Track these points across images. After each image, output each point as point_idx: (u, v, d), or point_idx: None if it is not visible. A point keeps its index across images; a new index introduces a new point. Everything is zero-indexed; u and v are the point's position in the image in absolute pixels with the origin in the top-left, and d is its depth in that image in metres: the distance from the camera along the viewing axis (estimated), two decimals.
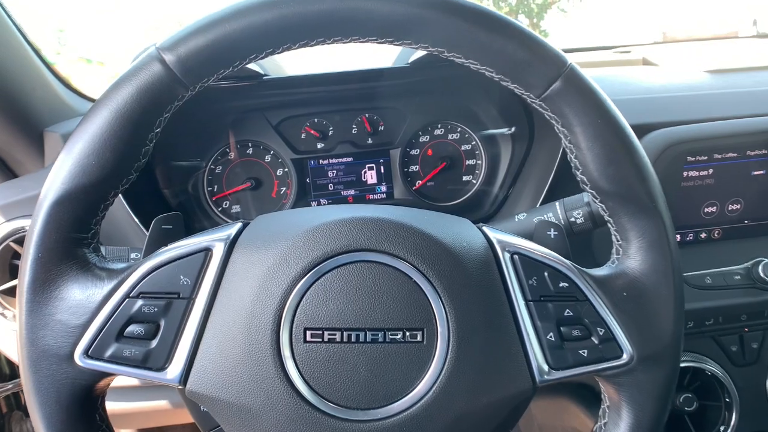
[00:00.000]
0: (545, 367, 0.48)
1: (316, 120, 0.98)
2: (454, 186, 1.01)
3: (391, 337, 0.46)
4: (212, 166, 0.98)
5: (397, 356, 0.46)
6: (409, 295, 0.47)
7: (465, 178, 1.01)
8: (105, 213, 0.49)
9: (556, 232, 0.58)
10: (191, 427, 1.22)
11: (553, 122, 0.51)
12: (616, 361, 0.49)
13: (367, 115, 0.98)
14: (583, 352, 0.49)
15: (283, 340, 0.46)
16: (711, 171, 0.85)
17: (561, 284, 0.50)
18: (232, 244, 0.49)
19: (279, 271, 0.46)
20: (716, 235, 0.90)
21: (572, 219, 0.67)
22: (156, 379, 0.47)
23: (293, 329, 0.46)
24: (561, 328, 0.49)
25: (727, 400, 0.91)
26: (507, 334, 0.48)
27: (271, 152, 0.98)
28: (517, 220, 0.73)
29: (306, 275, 0.46)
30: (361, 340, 0.46)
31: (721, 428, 0.91)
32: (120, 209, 0.80)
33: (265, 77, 0.92)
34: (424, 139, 1.00)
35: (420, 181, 1.01)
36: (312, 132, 0.99)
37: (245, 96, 0.95)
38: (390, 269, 0.47)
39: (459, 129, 1.00)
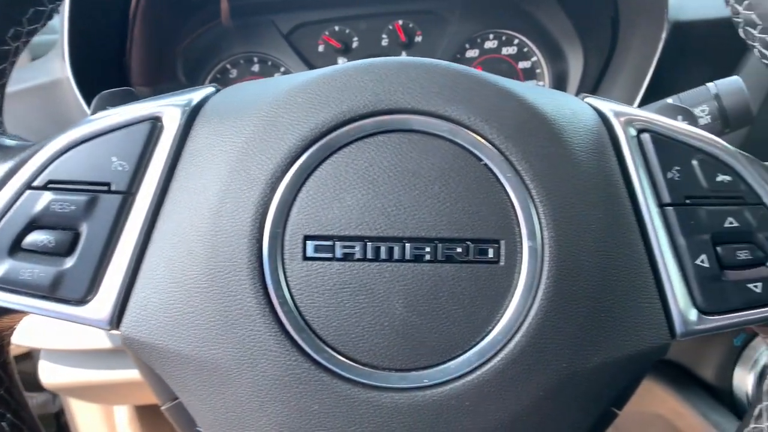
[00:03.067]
0: (691, 311, 0.30)
1: (336, 28, 0.83)
2: None
3: (446, 252, 0.28)
4: None
5: (457, 284, 0.28)
6: (477, 187, 0.29)
7: None
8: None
9: (686, 122, 0.39)
10: None
11: None
12: None
13: (400, 21, 0.82)
14: (755, 286, 0.30)
15: (268, 256, 0.28)
16: None
17: (720, 178, 0.31)
18: (193, 113, 0.31)
19: (262, 145, 0.29)
20: None
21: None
22: (71, 318, 0.30)
23: (285, 238, 0.28)
24: (719, 249, 0.30)
25: None
26: (632, 256, 0.30)
27: (282, 69, 0.84)
28: None
29: (305, 152, 0.29)
30: (396, 257, 0.28)
31: None
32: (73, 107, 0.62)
33: None
34: (472, 53, 0.83)
35: None
36: (332, 42, 0.83)
37: None
38: (444, 143, 0.29)
39: (516, 41, 0.82)
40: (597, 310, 0.29)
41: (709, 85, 0.49)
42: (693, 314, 0.31)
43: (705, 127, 0.48)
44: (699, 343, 0.77)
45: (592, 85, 0.77)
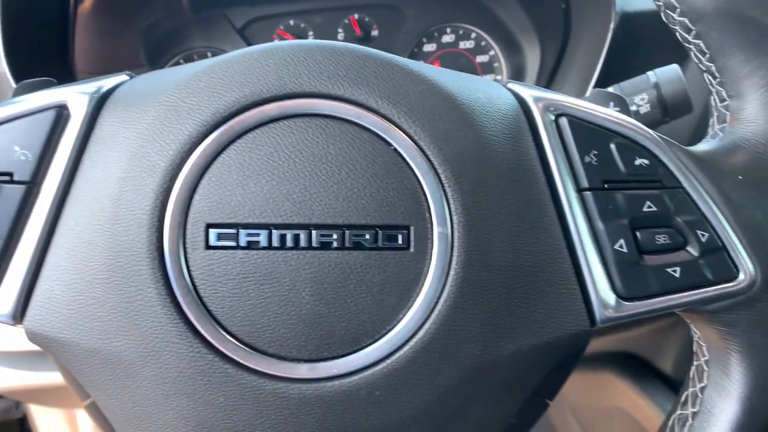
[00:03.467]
0: (610, 297, 0.30)
1: (291, 22, 0.81)
2: None
3: (353, 239, 0.28)
4: None
5: (365, 272, 0.28)
6: (386, 172, 0.28)
7: None
8: None
9: (617, 108, 0.38)
10: None
11: None
12: (727, 286, 0.30)
13: (356, 15, 0.80)
14: (674, 271, 0.30)
15: (169, 245, 0.27)
16: None
17: (638, 161, 0.31)
18: (102, 101, 0.30)
19: (163, 131, 0.28)
20: None
21: (633, 108, 0.47)
22: None
23: (187, 227, 0.27)
24: (638, 233, 0.30)
25: None
26: (548, 241, 0.29)
27: None
28: None
29: (207, 137, 0.28)
30: (302, 244, 0.27)
31: None
32: None
33: None
34: (429, 47, 0.82)
35: None
36: (287, 37, 0.81)
37: None
38: (351, 127, 0.28)
39: (474, 35, 0.81)
40: (510, 296, 0.28)
41: (650, 73, 0.49)
42: (612, 300, 0.30)
43: (645, 116, 0.48)
44: (658, 335, 0.77)
45: (547, 77, 0.77)
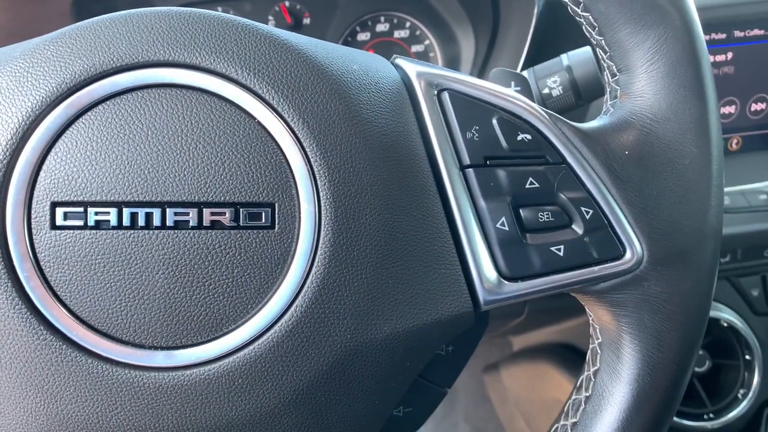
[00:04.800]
0: (493, 276, 0.29)
1: (219, 9, 0.78)
2: None
3: (212, 218, 0.26)
4: None
5: (225, 253, 0.26)
6: (248, 146, 0.26)
7: None
8: None
9: (518, 87, 0.38)
10: None
11: None
12: (613, 264, 0.30)
13: (287, 3, 0.78)
14: (558, 249, 0.29)
15: (12, 225, 0.25)
16: (730, 56, 0.65)
17: (520, 137, 0.30)
18: None
19: (6, 104, 0.26)
20: (735, 145, 0.70)
21: (546, 91, 0.47)
22: None
23: (32, 205, 0.25)
24: (521, 210, 0.29)
25: (747, 357, 0.73)
26: (426, 219, 0.28)
27: None
28: None
29: (54, 110, 0.26)
30: (155, 224, 0.26)
31: (740, 392, 0.72)
32: None
33: None
34: (363, 36, 0.80)
35: None
36: None
37: None
38: (210, 98, 0.27)
39: (408, 24, 0.80)
40: (383, 276, 0.27)
41: (563, 56, 0.48)
42: (495, 280, 0.29)
43: (558, 99, 0.48)
44: None
45: (480, 65, 0.76)
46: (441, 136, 0.29)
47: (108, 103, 0.26)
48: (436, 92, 0.30)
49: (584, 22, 0.32)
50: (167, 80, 0.26)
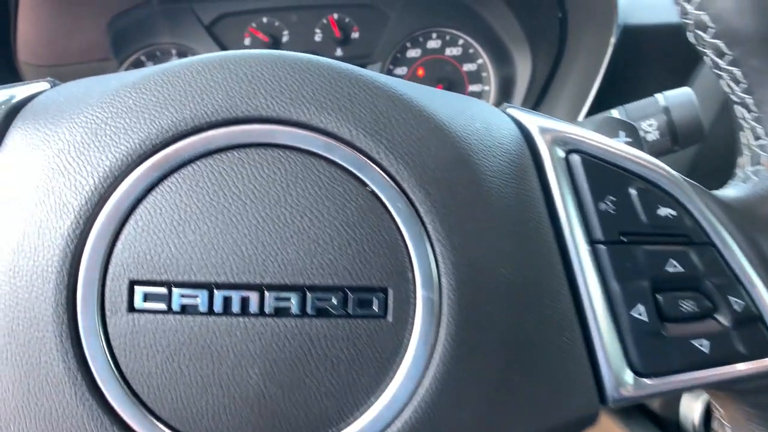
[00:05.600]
0: (626, 373, 0.25)
1: (264, 20, 0.76)
2: None
3: (317, 304, 0.22)
4: None
5: (331, 346, 0.22)
6: (359, 220, 0.22)
7: None
8: None
9: (629, 139, 0.33)
10: None
11: None
12: (765, 363, 0.25)
13: (335, 15, 0.75)
14: (701, 344, 0.25)
15: (83, 307, 0.21)
16: None
17: (661, 211, 0.26)
18: (11, 114, 0.24)
19: (79, 161, 0.22)
20: None
21: (641, 134, 0.43)
22: None
23: (106, 283, 0.22)
24: (659, 297, 0.25)
25: None
26: (554, 306, 0.24)
27: None
28: None
29: (134, 171, 0.22)
30: (252, 310, 0.22)
31: None
32: None
33: None
34: (413, 53, 0.78)
35: None
36: (259, 36, 0.77)
37: None
38: (317, 162, 0.23)
39: (461, 41, 0.77)
40: (508, 376, 0.23)
41: (658, 96, 0.44)
42: (628, 377, 0.25)
43: (653, 144, 0.44)
44: None
45: (539, 91, 0.72)
46: (570, 206, 0.26)
47: (198, 164, 0.22)
48: (563, 154, 0.26)
49: (726, 77, 0.28)
50: (268, 139, 0.22)
